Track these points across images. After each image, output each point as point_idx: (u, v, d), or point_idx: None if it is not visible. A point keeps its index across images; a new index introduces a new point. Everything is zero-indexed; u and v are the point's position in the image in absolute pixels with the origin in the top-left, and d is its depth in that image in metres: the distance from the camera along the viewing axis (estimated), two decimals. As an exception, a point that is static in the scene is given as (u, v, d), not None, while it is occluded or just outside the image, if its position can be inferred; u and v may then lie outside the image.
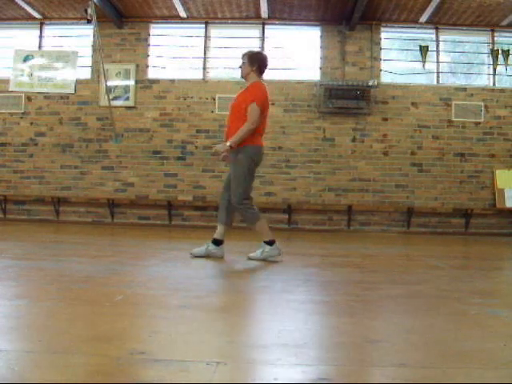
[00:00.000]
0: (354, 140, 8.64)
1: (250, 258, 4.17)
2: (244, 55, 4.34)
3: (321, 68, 8.77)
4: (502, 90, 8.64)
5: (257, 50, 4.50)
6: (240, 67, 4.35)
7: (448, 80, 8.91)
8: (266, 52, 4.49)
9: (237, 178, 4.22)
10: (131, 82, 8.77)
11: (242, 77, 4.40)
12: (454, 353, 1.69)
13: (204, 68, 8.86)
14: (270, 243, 4.17)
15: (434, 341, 1.85)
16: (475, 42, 8.99)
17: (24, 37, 9.07)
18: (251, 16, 8.74)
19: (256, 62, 4.28)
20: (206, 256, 4.18)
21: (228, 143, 4.15)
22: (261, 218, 4.27)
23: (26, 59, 8.82)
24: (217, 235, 4.29)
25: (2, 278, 3.04)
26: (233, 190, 4.23)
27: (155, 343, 1.72)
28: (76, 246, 5.08)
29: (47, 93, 8.83)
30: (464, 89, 8.65)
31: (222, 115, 8.71)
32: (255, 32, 8.90)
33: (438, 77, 8.76)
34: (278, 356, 1.62)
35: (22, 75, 8.83)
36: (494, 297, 2.97)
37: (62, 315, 2.09)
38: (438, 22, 8.61)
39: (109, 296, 2.49)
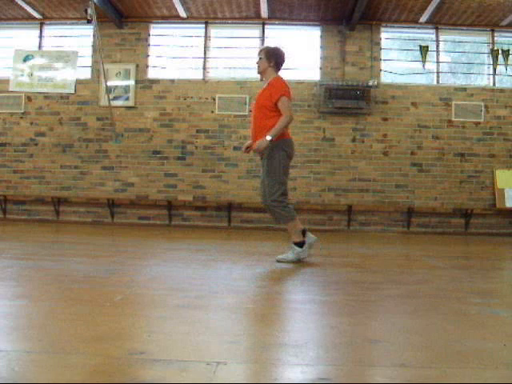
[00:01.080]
0: (353, 140, 8.64)
1: (278, 261, 4.04)
2: (261, 51, 4.30)
3: (321, 68, 8.77)
4: (502, 90, 8.64)
5: (274, 45, 4.46)
6: (257, 63, 4.29)
7: (448, 80, 8.91)
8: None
9: (273, 173, 4.05)
10: (131, 82, 8.77)
11: (259, 73, 4.33)
12: (454, 353, 1.69)
13: (204, 68, 8.86)
14: (301, 244, 4.09)
15: (434, 341, 1.85)
16: (475, 42, 8.99)
17: (24, 37, 9.07)
18: (251, 16, 8.75)
19: (273, 57, 4.24)
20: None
21: (268, 137, 4.00)
22: (295, 217, 4.11)
23: (26, 59, 8.82)
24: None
25: (2, 277, 3.04)
26: (268, 187, 4.07)
27: (155, 343, 1.72)
28: (76, 246, 5.08)
29: (47, 93, 8.84)
30: (464, 89, 8.66)
31: (221, 115, 8.72)
32: (255, 32, 8.90)
33: (437, 77, 8.76)
34: (278, 356, 1.62)
35: (22, 75, 8.84)
36: (494, 297, 2.97)
37: (62, 315, 2.09)
38: (438, 22, 8.61)
39: (109, 296, 2.49)
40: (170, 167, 8.72)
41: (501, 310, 2.46)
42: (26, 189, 8.80)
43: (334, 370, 1.49)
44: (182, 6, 8.34)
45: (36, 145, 8.85)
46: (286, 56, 4.36)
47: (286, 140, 4.12)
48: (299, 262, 4.06)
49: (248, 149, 4.30)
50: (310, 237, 4.19)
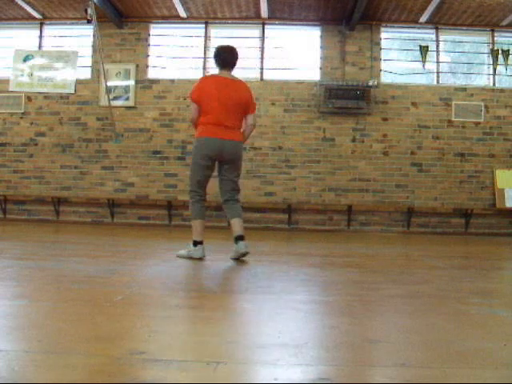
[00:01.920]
0: (353, 140, 8.64)
1: (177, 256, 4.23)
2: None
3: (321, 68, 8.77)
4: (502, 90, 8.65)
5: (218, 44, 4.66)
6: None
7: (448, 80, 8.92)
8: (227, 46, 4.61)
9: (190, 167, 4.37)
10: (131, 82, 8.78)
11: None
12: (454, 353, 1.68)
13: (204, 68, 8.86)
14: (195, 244, 4.17)
15: (434, 341, 1.85)
16: (475, 42, 9.00)
17: (24, 37, 9.08)
18: (251, 16, 8.75)
19: (214, 57, 4.53)
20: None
21: None
22: (199, 218, 4.22)
23: (26, 59, 8.82)
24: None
25: (2, 277, 3.04)
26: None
27: (155, 343, 1.72)
28: (76, 246, 5.08)
29: (47, 93, 8.84)
30: (464, 89, 8.66)
31: (222, 115, 8.72)
32: (255, 32, 8.91)
33: (438, 77, 8.77)
34: (277, 356, 1.62)
35: (22, 75, 8.84)
36: (494, 297, 2.97)
37: (61, 315, 2.09)
38: (438, 22, 8.62)
39: (109, 296, 2.49)
40: (169, 167, 8.72)
41: (501, 310, 2.46)
42: (26, 189, 8.80)
43: (334, 370, 1.49)
44: (182, 6, 8.34)
45: (36, 145, 8.85)
46: (225, 52, 4.47)
47: (197, 139, 4.28)
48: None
49: None
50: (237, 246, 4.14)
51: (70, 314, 2.13)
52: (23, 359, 1.49)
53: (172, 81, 8.82)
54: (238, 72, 9.72)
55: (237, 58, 4.44)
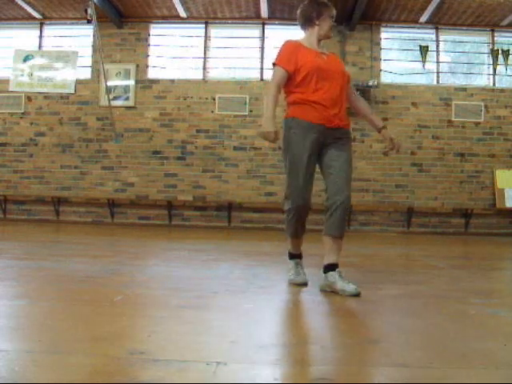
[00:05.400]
0: (353, 140, 8.62)
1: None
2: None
3: (321, 68, 8.76)
4: (502, 90, 8.64)
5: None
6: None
7: (448, 80, 8.91)
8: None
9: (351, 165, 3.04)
10: (131, 82, 8.77)
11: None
12: (454, 353, 1.68)
13: (204, 68, 8.86)
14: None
15: (434, 341, 1.85)
16: (475, 42, 9.00)
17: (24, 37, 9.08)
18: (251, 16, 8.75)
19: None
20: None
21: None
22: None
23: (26, 59, 8.82)
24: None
25: (2, 277, 3.04)
26: (349, 180, 3.08)
27: (155, 343, 1.72)
28: (76, 246, 5.07)
29: (47, 93, 8.84)
30: (464, 89, 8.65)
31: (221, 115, 8.72)
32: (255, 32, 8.90)
33: (437, 77, 8.76)
34: (278, 356, 1.62)
35: (22, 75, 8.84)
36: (494, 297, 2.97)
37: (61, 315, 2.09)
38: (437, 22, 8.61)
39: (108, 296, 2.49)
40: (169, 167, 8.72)
41: (501, 310, 2.46)
42: (26, 189, 8.80)
43: (334, 370, 1.49)
44: (182, 5, 8.34)
45: (36, 145, 8.85)
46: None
47: None
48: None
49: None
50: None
51: (70, 313, 2.13)
52: (24, 359, 1.49)
53: (172, 81, 8.82)
54: (237, 72, 9.66)
55: (298, 15, 3.14)
